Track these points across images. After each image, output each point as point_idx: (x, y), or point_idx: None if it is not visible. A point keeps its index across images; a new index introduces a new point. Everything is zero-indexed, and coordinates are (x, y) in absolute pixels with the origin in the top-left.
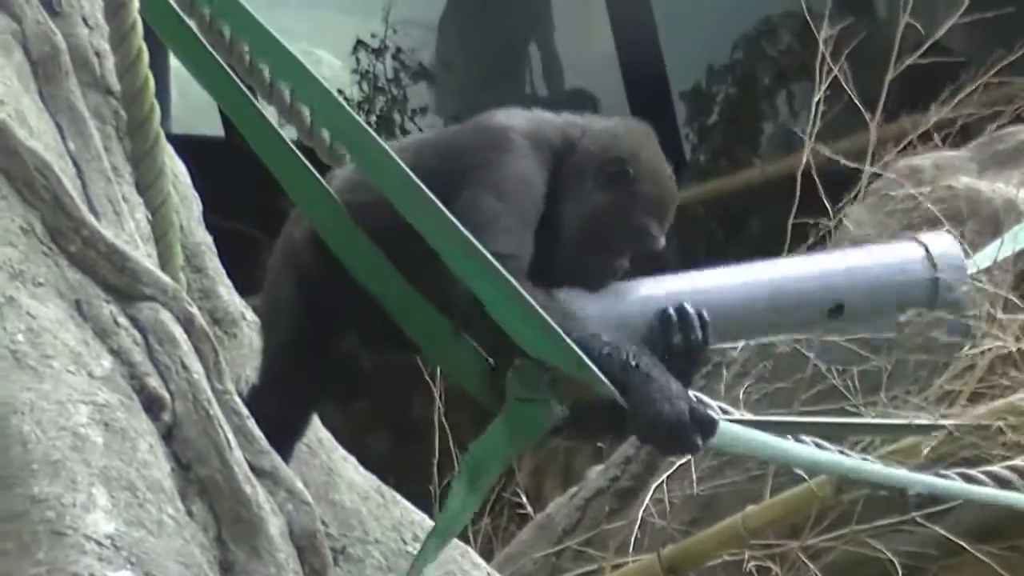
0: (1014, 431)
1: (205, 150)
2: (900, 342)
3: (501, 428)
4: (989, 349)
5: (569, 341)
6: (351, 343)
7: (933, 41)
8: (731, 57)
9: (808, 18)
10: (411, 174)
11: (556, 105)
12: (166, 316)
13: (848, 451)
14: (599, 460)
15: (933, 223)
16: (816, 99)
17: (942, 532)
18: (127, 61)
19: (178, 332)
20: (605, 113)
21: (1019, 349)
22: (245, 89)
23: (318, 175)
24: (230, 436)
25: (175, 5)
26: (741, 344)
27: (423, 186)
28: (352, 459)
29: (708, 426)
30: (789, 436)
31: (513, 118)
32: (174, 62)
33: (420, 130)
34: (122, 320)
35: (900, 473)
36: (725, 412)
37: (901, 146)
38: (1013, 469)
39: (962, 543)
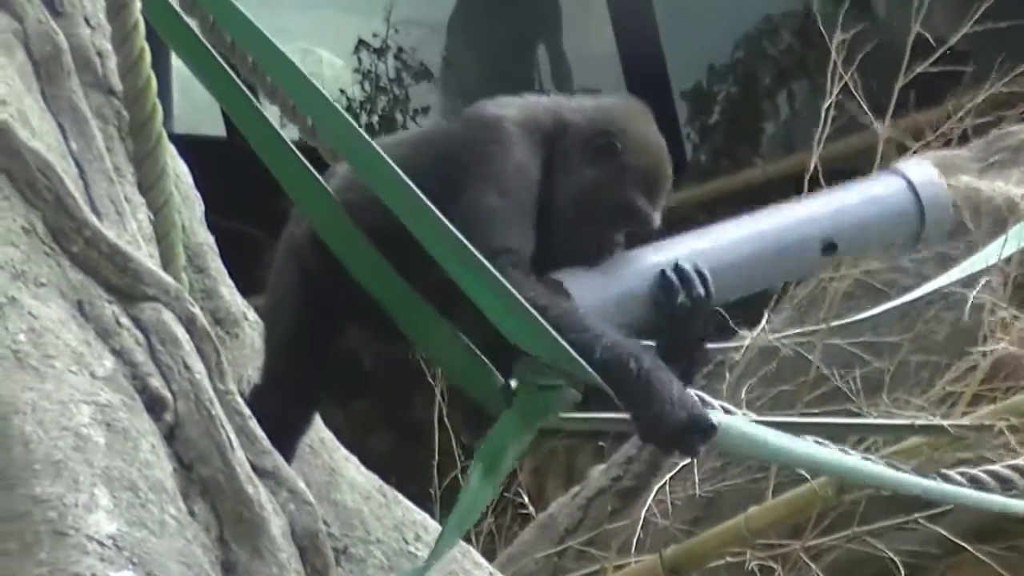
0: (1015, 432)
1: (207, 150)
2: (902, 343)
3: (514, 415)
4: (992, 351)
5: (564, 343)
6: (353, 341)
7: (928, 38)
8: (732, 56)
9: (819, 23)
10: (403, 175)
11: None
12: (168, 316)
13: (849, 450)
14: (601, 459)
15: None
16: (826, 105)
17: (943, 532)
18: (129, 61)
19: (180, 332)
20: None
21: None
22: (244, 88)
23: (318, 176)
24: (232, 436)
25: (175, 6)
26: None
27: (415, 187)
28: (354, 459)
29: (707, 430)
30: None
31: (505, 107)
32: (176, 62)
33: None
34: (124, 320)
35: (904, 477)
36: (728, 412)
37: (914, 148)
38: (1015, 468)
39: (963, 544)
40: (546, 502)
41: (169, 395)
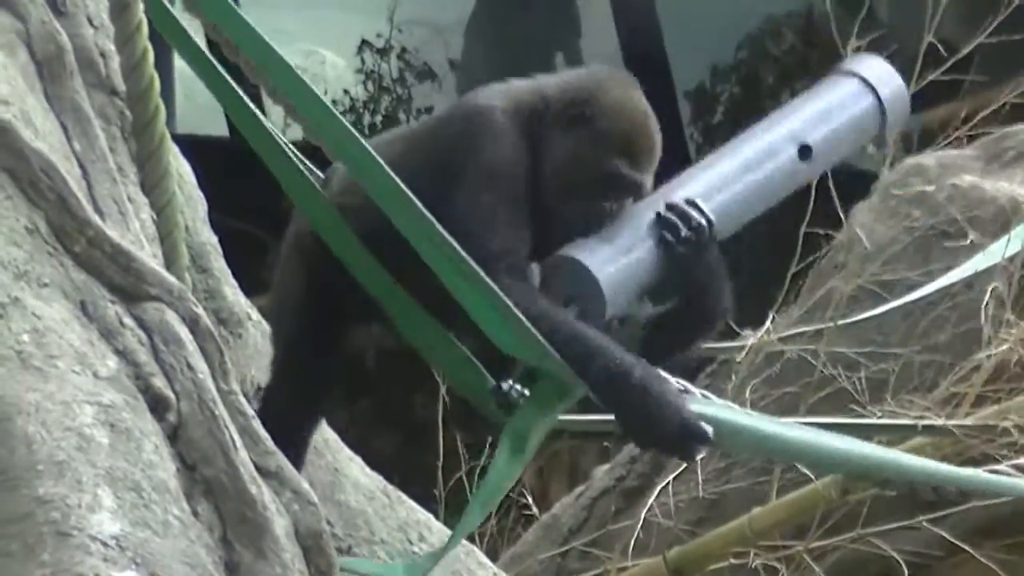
0: (1020, 432)
1: (210, 150)
2: (906, 344)
3: (535, 400)
4: (996, 351)
5: (556, 354)
6: (357, 340)
7: (932, 40)
8: (735, 57)
9: (832, 24)
10: (399, 182)
11: None
12: (171, 316)
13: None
14: (605, 460)
15: (938, 223)
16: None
17: (945, 533)
18: (132, 61)
19: (183, 332)
20: None
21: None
22: (238, 88)
23: (313, 181)
24: (235, 436)
25: (171, 8)
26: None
27: (411, 194)
28: (358, 459)
29: (703, 439)
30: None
31: (491, 97)
32: (179, 62)
33: None
34: (127, 320)
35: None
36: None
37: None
38: (1019, 468)
39: (963, 545)
40: (550, 502)
41: (172, 395)
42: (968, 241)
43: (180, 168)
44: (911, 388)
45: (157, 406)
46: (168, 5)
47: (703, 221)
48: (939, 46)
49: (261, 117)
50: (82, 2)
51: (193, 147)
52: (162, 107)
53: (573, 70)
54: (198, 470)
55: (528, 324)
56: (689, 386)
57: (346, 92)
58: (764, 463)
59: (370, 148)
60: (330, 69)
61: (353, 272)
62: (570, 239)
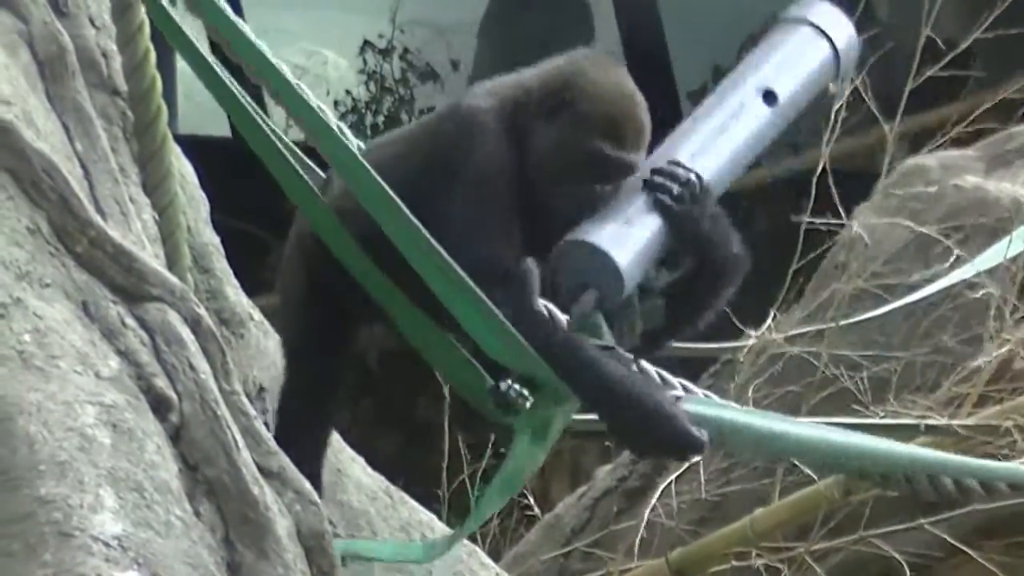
0: (1022, 432)
1: (212, 150)
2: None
3: (540, 402)
4: (998, 351)
5: (546, 364)
6: (363, 340)
7: (940, 43)
8: (738, 57)
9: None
10: (389, 190)
11: None
12: (173, 317)
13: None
14: (607, 460)
15: (940, 224)
16: (837, 107)
17: (945, 535)
18: (134, 62)
19: (185, 333)
20: None
21: None
22: (235, 89)
23: (312, 183)
24: (238, 437)
25: (171, 9)
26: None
27: (400, 202)
28: (360, 460)
29: (696, 447)
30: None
31: (477, 97)
32: (181, 62)
33: None
34: (129, 321)
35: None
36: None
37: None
38: None
39: (963, 547)
40: (552, 503)
41: (174, 396)
42: (970, 242)
43: (182, 168)
44: (913, 388)
45: (159, 406)
46: (167, 6)
47: (691, 176)
48: (939, 42)
49: (262, 118)
50: (84, 3)
51: (195, 147)
52: (164, 107)
53: (553, 58)
54: (200, 470)
55: (517, 335)
56: (691, 386)
57: (348, 92)
58: (766, 464)
59: (355, 152)
60: (332, 70)
61: (353, 273)
62: (567, 228)
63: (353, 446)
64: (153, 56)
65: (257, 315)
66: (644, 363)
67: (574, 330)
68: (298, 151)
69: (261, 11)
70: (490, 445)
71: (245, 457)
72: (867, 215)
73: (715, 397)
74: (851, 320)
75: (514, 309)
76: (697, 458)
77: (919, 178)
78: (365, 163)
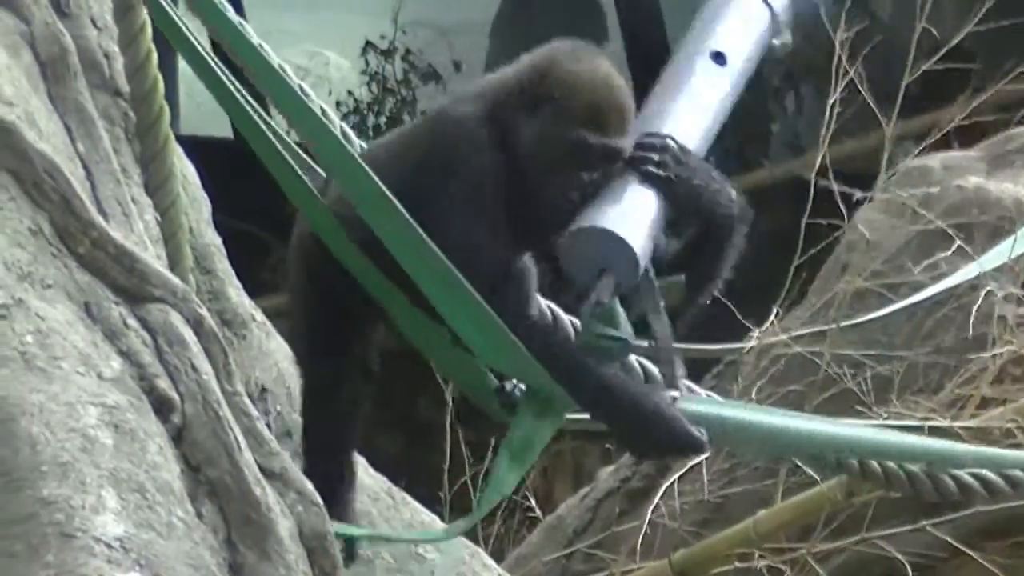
0: None
1: (214, 151)
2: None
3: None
4: (1001, 353)
5: (545, 370)
6: (372, 339)
7: (940, 40)
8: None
9: (826, 22)
10: (393, 199)
11: None
12: (175, 318)
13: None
14: (609, 461)
15: (943, 225)
16: (831, 101)
17: (948, 536)
18: (136, 63)
19: (188, 334)
20: None
21: None
22: (234, 89)
23: (311, 185)
24: (240, 438)
25: (170, 10)
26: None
27: (400, 206)
28: (362, 460)
29: (697, 447)
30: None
31: (462, 104)
32: (183, 63)
33: None
34: (131, 322)
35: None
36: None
37: (923, 146)
38: None
39: (966, 548)
40: (554, 504)
41: (176, 396)
42: (972, 242)
43: (184, 169)
44: (916, 389)
45: (161, 407)
46: (168, 7)
47: (667, 141)
48: (939, 37)
49: (262, 118)
50: (86, 3)
51: (197, 148)
52: (166, 108)
53: (531, 52)
54: (202, 471)
55: (516, 344)
56: (694, 386)
57: (350, 93)
58: (769, 465)
59: (364, 165)
60: (334, 70)
61: (353, 274)
62: (562, 221)
63: None
64: (155, 57)
65: (259, 316)
66: (646, 363)
67: (593, 320)
68: (300, 152)
69: (263, 12)
70: (492, 448)
71: (247, 458)
72: (870, 216)
73: (717, 397)
74: (854, 321)
75: (512, 315)
76: (698, 458)
77: (922, 179)
78: (362, 162)
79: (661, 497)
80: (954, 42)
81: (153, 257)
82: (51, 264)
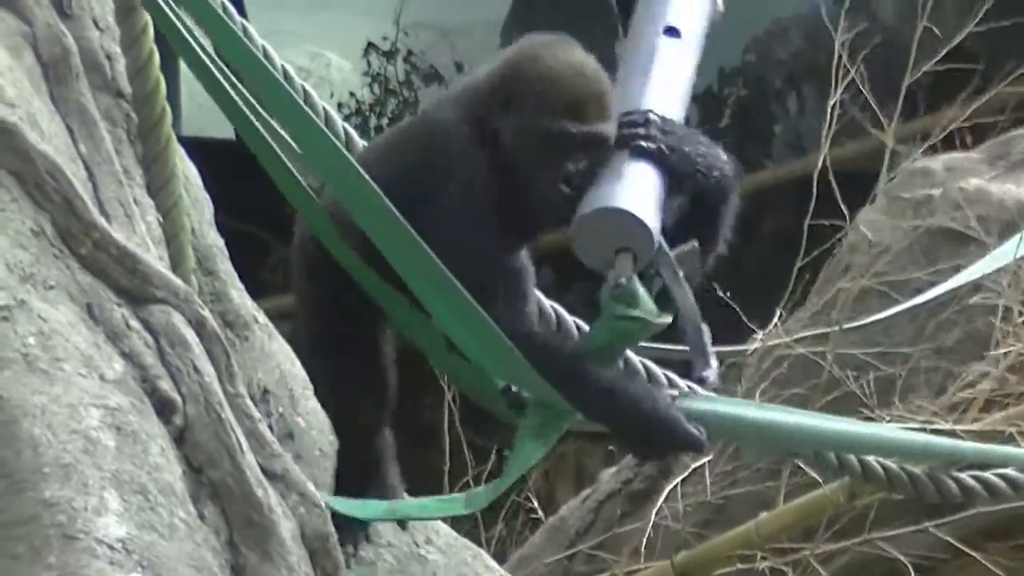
0: None
1: (216, 152)
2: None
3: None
4: (1003, 356)
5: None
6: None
7: (942, 40)
8: (742, 59)
9: (826, 22)
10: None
11: None
12: (178, 319)
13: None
14: (611, 463)
15: (945, 226)
16: (832, 102)
17: (950, 537)
18: (138, 64)
19: (190, 335)
20: None
21: None
22: (231, 90)
23: (308, 187)
24: (242, 439)
25: (171, 13)
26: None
27: (398, 213)
28: None
29: (696, 447)
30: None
31: (445, 110)
32: (184, 64)
33: None
34: (133, 323)
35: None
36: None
37: (924, 146)
38: None
39: (968, 549)
40: (556, 506)
41: (179, 398)
42: (975, 244)
43: (186, 170)
44: (918, 391)
45: (163, 409)
46: (167, 8)
47: (648, 114)
48: (940, 37)
49: (261, 119)
50: (88, 4)
51: (199, 149)
52: (168, 109)
53: (505, 50)
54: (204, 473)
55: (513, 348)
56: (695, 387)
57: (352, 95)
58: (771, 467)
59: (357, 166)
60: (336, 72)
61: (353, 275)
62: (555, 214)
63: None
64: (157, 58)
65: (262, 317)
66: (648, 363)
67: (614, 302)
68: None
69: (265, 13)
70: (494, 451)
71: (249, 459)
72: (872, 217)
73: (716, 396)
74: (856, 324)
75: (507, 320)
76: (698, 458)
77: (924, 180)
78: (352, 158)
79: (664, 499)
80: (955, 42)
81: (155, 258)
82: (53, 265)
